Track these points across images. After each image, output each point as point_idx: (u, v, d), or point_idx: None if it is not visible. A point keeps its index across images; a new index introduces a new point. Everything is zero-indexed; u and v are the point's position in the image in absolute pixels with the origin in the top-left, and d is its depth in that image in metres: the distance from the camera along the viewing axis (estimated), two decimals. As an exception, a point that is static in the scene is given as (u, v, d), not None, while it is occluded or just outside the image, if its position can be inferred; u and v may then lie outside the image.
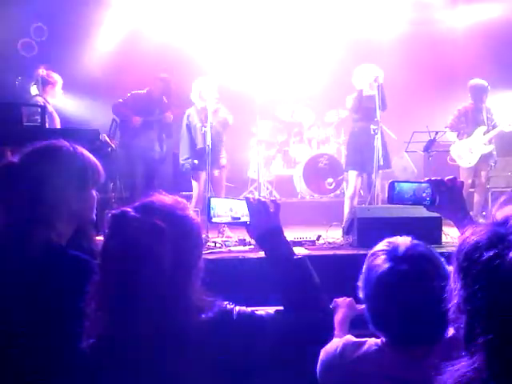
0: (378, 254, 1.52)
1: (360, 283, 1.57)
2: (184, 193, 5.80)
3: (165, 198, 1.40)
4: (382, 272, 1.47)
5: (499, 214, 0.89)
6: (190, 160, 5.55)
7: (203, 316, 1.31)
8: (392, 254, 1.49)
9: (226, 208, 1.61)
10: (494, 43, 7.46)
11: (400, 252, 1.49)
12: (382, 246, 1.55)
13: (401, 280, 1.45)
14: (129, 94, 6.05)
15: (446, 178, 1.66)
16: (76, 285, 1.38)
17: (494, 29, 7.50)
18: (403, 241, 1.53)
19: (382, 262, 1.49)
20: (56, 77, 5.70)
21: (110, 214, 1.36)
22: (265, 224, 1.55)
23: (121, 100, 6.02)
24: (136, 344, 1.29)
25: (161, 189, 1.44)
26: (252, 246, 3.99)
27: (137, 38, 7.94)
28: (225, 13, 7.83)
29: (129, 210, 1.34)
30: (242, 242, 4.19)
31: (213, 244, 4.19)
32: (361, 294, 1.57)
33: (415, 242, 1.53)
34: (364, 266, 1.56)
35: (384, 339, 1.55)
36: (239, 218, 1.60)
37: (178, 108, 6.03)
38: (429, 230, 3.54)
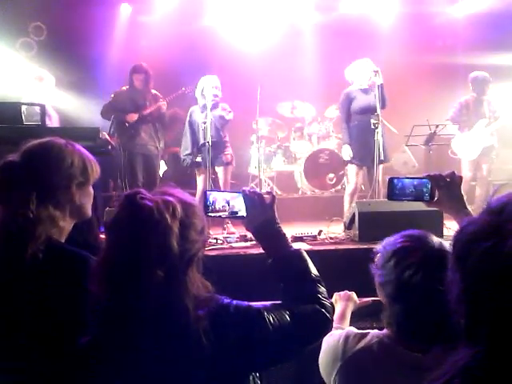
0: (409, 254, 1.47)
1: (379, 276, 1.53)
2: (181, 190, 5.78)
3: (172, 188, 1.41)
4: (419, 275, 1.44)
5: (494, 203, 0.88)
6: (191, 156, 5.55)
7: (200, 311, 1.31)
8: (426, 255, 1.45)
9: (223, 202, 1.60)
10: (494, 33, 7.43)
11: (434, 252, 1.45)
12: (411, 241, 1.50)
13: (434, 283, 1.41)
14: (112, 96, 6.01)
15: (445, 173, 1.66)
16: (75, 281, 1.38)
17: (494, 19, 7.48)
18: (436, 240, 1.49)
19: (416, 263, 1.45)
20: (44, 74, 5.67)
21: (122, 196, 1.37)
22: (261, 216, 1.56)
23: (106, 103, 5.99)
24: (134, 338, 1.29)
25: (161, 185, 1.45)
26: (253, 242, 3.99)
27: (137, 36, 7.95)
28: (224, 8, 7.83)
29: (141, 190, 1.35)
30: (244, 238, 4.20)
31: (214, 240, 4.20)
32: (380, 290, 1.54)
33: (444, 241, 1.49)
34: (389, 262, 1.50)
35: (389, 332, 1.54)
36: (237, 212, 1.60)
37: (166, 97, 5.99)
38: (430, 224, 3.52)
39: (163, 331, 1.29)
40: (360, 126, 5.45)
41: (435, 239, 1.50)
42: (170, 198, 1.34)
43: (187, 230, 1.33)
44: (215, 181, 5.44)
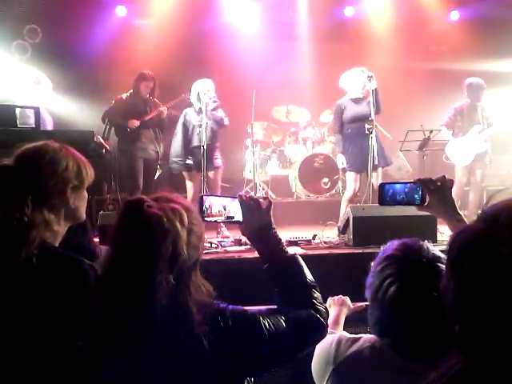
0: (394, 264, 1.44)
1: (368, 277, 1.51)
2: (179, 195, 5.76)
3: (172, 194, 1.41)
4: (395, 286, 1.41)
5: (489, 210, 0.89)
6: (180, 160, 5.54)
7: (197, 316, 1.31)
8: (410, 269, 1.42)
9: (220, 206, 1.60)
10: (489, 40, 7.48)
11: (420, 267, 1.42)
12: (402, 251, 1.47)
13: (409, 296, 1.39)
14: (113, 102, 6.06)
15: (435, 177, 1.67)
16: (68, 285, 1.38)
17: (489, 25, 7.52)
18: (430, 254, 1.44)
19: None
20: (41, 77, 5.67)
21: (124, 202, 1.36)
22: (257, 221, 1.56)
23: (107, 109, 6.04)
24: (135, 342, 1.29)
25: (157, 189, 1.46)
26: (248, 246, 3.99)
27: (133, 39, 7.94)
28: (220, 12, 7.84)
29: (144, 198, 1.35)
30: (238, 242, 4.20)
31: (209, 244, 4.19)
32: (367, 291, 1.53)
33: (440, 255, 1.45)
34: (378, 267, 1.47)
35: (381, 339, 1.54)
36: (233, 217, 1.60)
37: (165, 103, 6.05)
38: (424, 228, 3.53)
39: (167, 335, 1.29)
40: (352, 134, 5.48)
41: (430, 253, 1.45)
42: (177, 206, 1.34)
43: (191, 236, 1.34)
44: (206, 184, 5.42)
